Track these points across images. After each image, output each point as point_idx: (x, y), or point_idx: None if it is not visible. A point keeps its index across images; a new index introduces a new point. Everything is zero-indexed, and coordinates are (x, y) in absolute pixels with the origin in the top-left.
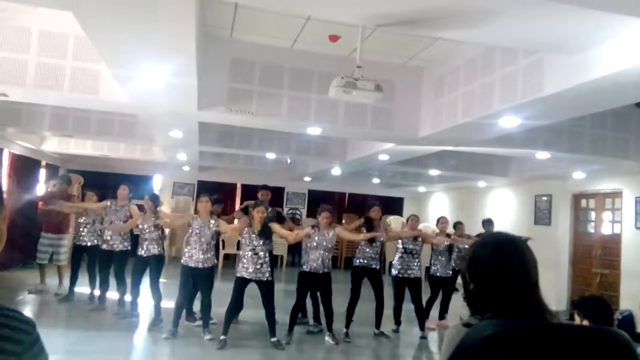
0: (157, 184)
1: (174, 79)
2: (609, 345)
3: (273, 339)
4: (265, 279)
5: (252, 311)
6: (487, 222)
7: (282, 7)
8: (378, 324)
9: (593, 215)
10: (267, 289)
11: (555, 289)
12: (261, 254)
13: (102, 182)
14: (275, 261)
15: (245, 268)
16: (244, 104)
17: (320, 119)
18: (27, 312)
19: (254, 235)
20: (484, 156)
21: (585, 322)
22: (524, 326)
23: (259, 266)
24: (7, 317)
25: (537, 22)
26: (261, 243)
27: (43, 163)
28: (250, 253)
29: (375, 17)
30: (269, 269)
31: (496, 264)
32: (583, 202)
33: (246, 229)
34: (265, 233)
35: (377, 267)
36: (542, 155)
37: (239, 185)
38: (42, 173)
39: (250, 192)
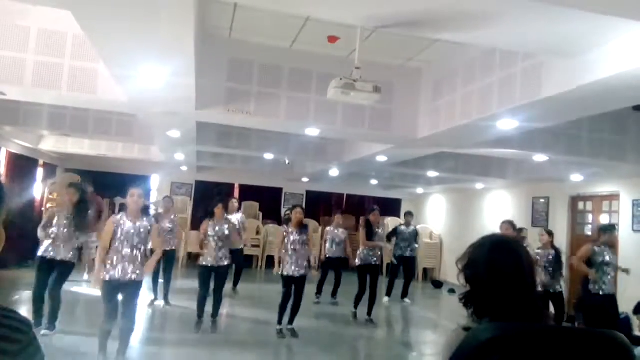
0: (155, 183)
1: (173, 78)
2: (607, 347)
3: (289, 326)
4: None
5: (250, 310)
6: (408, 214)
7: (281, 7)
8: (370, 312)
9: (590, 217)
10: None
11: None
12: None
13: (100, 181)
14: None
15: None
16: (242, 104)
17: (318, 120)
18: (23, 312)
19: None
20: (482, 158)
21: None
22: (522, 329)
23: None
24: (4, 317)
25: (537, 25)
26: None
27: (40, 162)
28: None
29: (374, 18)
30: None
31: (491, 266)
32: (580, 205)
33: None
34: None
35: (377, 263)
36: (540, 157)
37: (236, 186)
38: (40, 172)
39: (248, 192)
